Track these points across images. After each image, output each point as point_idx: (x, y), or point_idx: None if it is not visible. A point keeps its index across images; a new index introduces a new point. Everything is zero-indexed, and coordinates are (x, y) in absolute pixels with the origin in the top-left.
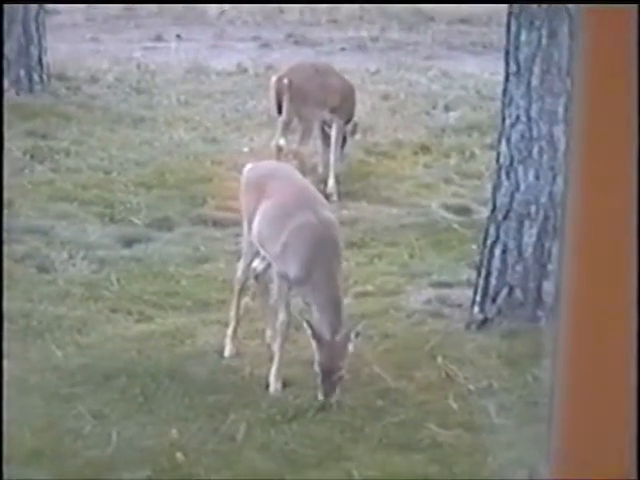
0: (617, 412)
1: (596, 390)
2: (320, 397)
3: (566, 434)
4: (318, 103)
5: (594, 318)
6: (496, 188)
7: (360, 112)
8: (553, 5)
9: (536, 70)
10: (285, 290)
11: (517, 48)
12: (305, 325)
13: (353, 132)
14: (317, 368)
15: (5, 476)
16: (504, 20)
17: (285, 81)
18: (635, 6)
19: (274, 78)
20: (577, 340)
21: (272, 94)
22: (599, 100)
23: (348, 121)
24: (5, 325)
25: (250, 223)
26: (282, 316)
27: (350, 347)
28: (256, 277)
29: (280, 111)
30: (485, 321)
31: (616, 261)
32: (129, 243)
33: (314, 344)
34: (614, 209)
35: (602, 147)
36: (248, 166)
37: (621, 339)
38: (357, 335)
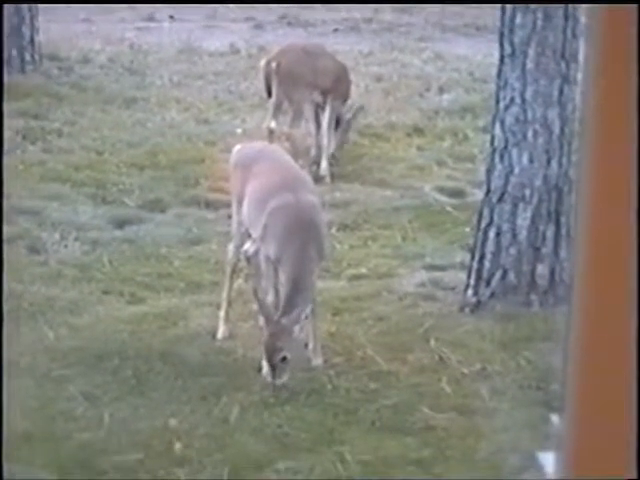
0: (619, 413)
1: (604, 389)
2: (268, 379)
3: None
4: (308, 85)
5: (609, 310)
6: (490, 171)
7: (353, 94)
8: None
9: (531, 53)
10: (271, 272)
11: (512, 31)
12: (255, 301)
13: (354, 116)
14: (262, 347)
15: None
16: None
17: (274, 64)
18: (635, 6)
19: (263, 61)
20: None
21: (262, 77)
22: (602, 100)
23: (344, 102)
24: None
25: (239, 204)
26: (270, 298)
27: (296, 330)
28: (247, 259)
29: (270, 94)
30: (478, 304)
31: (630, 250)
32: (121, 224)
33: (261, 321)
34: (627, 203)
35: (607, 144)
36: (237, 147)
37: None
38: (306, 317)
